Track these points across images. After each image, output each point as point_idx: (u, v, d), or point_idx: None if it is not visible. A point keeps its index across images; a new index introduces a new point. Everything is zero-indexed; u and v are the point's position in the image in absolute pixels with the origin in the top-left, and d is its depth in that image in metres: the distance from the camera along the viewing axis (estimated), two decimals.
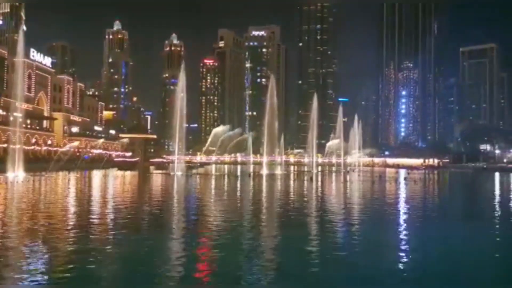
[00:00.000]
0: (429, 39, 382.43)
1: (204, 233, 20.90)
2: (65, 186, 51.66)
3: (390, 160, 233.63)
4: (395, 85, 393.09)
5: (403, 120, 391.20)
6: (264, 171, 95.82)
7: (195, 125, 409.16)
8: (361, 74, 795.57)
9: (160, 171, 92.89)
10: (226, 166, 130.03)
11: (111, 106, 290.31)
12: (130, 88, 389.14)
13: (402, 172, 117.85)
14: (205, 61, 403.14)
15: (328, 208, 31.91)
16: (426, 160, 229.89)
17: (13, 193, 39.80)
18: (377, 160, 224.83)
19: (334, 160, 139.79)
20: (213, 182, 65.19)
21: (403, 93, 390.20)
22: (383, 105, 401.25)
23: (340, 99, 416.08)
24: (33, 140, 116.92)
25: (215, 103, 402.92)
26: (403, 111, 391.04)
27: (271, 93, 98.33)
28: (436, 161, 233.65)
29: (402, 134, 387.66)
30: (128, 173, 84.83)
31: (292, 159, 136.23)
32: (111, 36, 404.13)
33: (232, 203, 35.09)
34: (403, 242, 19.66)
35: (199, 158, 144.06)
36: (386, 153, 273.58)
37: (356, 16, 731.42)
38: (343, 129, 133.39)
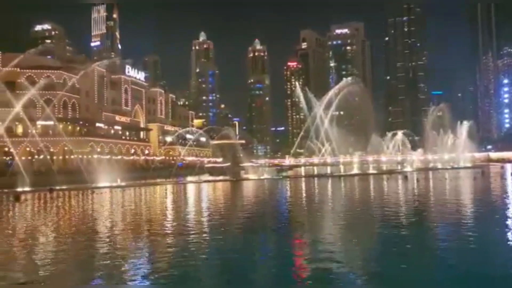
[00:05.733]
0: None
1: None
2: (167, 194, 53.58)
3: (494, 155, 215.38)
4: (495, 74, 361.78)
5: (506, 111, 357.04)
6: (355, 171, 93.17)
7: (282, 128, 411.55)
8: (455, 64, 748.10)
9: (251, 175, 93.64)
10: (315, 168, 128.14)
11: (200, 114, 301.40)
12: (218, 95, 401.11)
13: (509, 167, 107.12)
14: (289, 64, 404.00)
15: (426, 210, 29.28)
16: None
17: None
18: (478, 155, 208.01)
19: (430, 157, 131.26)
20: (304, 184, 64.00)
21: (505, 81, 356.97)
22: (482, 95, 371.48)
23: (433, 92, 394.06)
24: (132, 151, 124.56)
25: (301, 105, 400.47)
26: (506, 100, 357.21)
27: None
28: None
29: (507, 125, 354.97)
30: (220, 177, 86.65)
31: (383, 158, 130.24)
32: (197, 47, 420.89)
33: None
34: None
35: (288, 161, 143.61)
36: (488, 147, 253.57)
37: (445, 3, 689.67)
38: (438, 124, 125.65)
